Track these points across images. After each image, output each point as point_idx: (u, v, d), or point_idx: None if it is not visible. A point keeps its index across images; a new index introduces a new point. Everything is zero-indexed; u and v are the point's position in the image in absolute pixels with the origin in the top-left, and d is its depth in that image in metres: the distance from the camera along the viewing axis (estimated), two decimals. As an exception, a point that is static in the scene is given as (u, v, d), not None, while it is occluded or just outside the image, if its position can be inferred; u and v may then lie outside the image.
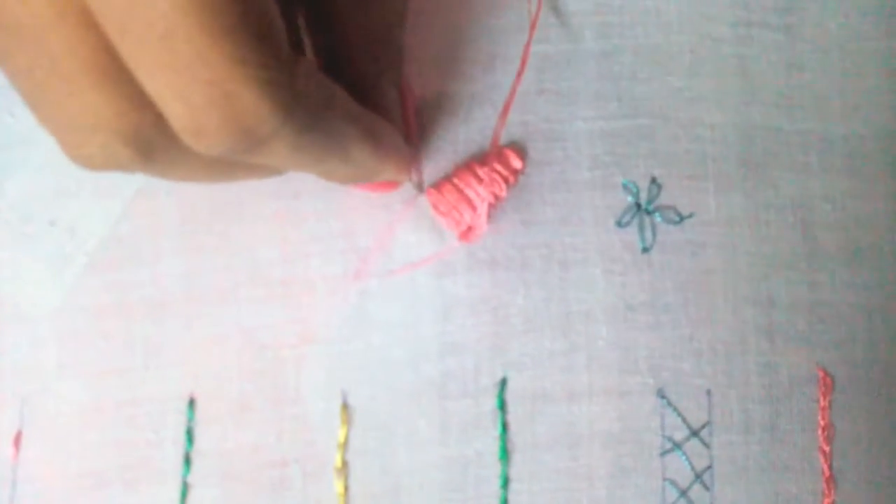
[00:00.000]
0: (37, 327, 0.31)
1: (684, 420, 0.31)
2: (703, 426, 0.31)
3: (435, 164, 0.31)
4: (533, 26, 0.31)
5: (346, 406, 0.30)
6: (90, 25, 0.18)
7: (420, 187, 0.31)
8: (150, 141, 0.20)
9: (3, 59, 0.19)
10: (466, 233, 0.30)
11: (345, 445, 0.30)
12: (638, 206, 0.31)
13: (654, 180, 0.31)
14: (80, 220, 0.31)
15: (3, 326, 0.31)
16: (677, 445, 0.30)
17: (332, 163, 0.24)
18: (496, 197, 0.30)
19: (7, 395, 0.31)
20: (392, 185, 0.30)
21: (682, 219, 0.31)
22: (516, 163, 0.31)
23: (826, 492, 0.31)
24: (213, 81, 0.18)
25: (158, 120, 0.20)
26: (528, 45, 0.31)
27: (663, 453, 0.30)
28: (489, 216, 0.30)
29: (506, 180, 0.30)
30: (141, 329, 0.31)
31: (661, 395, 0.31)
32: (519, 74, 0.30)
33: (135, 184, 0.31)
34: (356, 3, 0.26)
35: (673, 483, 0.30)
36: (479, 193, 0.30)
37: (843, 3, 0.32)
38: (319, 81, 0.22)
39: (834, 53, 0.32)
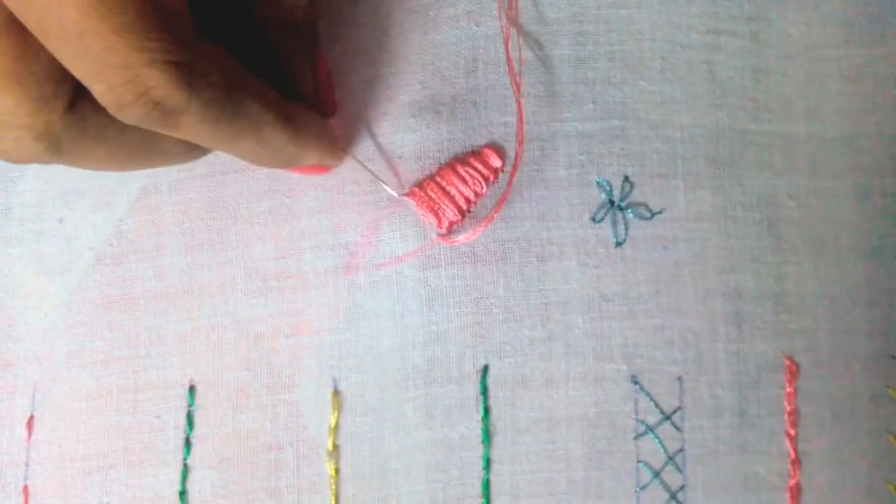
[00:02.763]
0: (47, 318, 0.33)
1: (657, 405, 0.32)
2: (675, 411, 0.32)
3: (419, 163, 0.32)
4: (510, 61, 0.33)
5: (336, 392, 0.32)
6: (0, 36, 0.22)
7: (402, 186, 0.32)
8: (58, 135, 0.24)
9: None
10: (448, 228, 0.32)
11: (336, 429, 0.32)
12: (611, 202, 0.33)
13: (626, 178, 0.33)
14: (86, 218, 0.33)
15: (17, 317, 0.33)
16: (650, 429, 0.32)
17: (247, 144, 0.27)
18: (476, 194, 0.32)
19: (20, 382, 0.33)
20: (322, 168, 0.32)
21: (653, 215, 0.33)
22: (496, 162, 0.32)
23: (791, 473, 0.32)
24: (123, 66, 0.22)
25: (64, 116, 0.23)
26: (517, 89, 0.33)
27: (637, 436, 0.32)
28: (470, 212, 0.32)
29: (486, 178, 0.32)
30: (144, 320, 0.33)
31: (635, 381, 0.32)
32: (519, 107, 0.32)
33: (137, 183, 0.33)
34: None
35: (646, 464, 0.32)
36: (461, 191, 0.32)
37: (805, 13, 0.34)
38: (226, 64, 0.25)
39: (797, 59, 0.34)
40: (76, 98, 0.23)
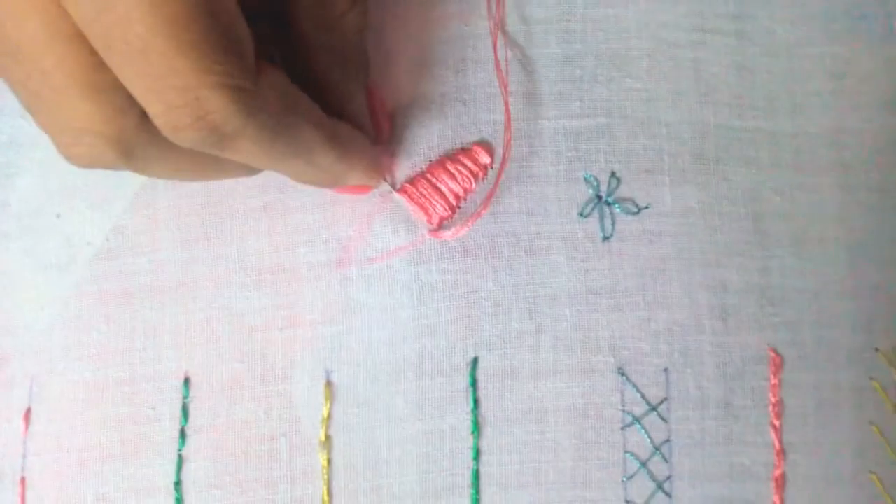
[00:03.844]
0: (45, 312, 0.33)
1: (643, 396, 0.33)
2: (661, 402, 0.33)
3: (410, 160, 0.33)
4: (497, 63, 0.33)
5: (329, 384, 0.32)
6: (78, 45, 0.22)
7: (394, 182, 0.33)
8: (131, 143, 0.24)
9: (3, 72, 0.23)
10: (438, 224, 0.32)
11: (328, 420, 0.32)
12: (599, 197, 0.33)
13: (613, 174, 0.33)
14: (84, 214, 0.34)
15: (14, 312, 0.34)
16: (637, 420, 0.32)
17: (296, 164, 0.27)
18: (466, 190, 0.33)
19: (18, 375, 0.33)
20: (364, 189, 0.32)
21: (639, 210, 0.33)
22: (485, 158, 0.33)
23: (777, 463, 0.33)
24: (184, 87, 0.22)
25: (138, 125, 0.23)
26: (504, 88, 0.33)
27: (624, 427, 0.32)
28: (460, 208, 0.33)
29: (475, 175, 0.33)
30: (140, 314, 0.33)
31: (622, 372, 0.33)
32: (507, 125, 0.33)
33: (136, 180, 0.34)
34: (318, 15, 0.28)
35: (633, 455, 0.32)
36: (450, 187, 0.32)
37: (790, 10, 0.35)
38: (283, 87, 0.25)
39: (782, 57, 0.35)
40: None
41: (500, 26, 0.34)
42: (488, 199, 0.32)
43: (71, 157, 0.24)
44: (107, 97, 0.22)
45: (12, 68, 0.22)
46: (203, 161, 0.26)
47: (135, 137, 0.24)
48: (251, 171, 0.29)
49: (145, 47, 0.21)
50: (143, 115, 0.23)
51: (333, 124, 0.28)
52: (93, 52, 0.22)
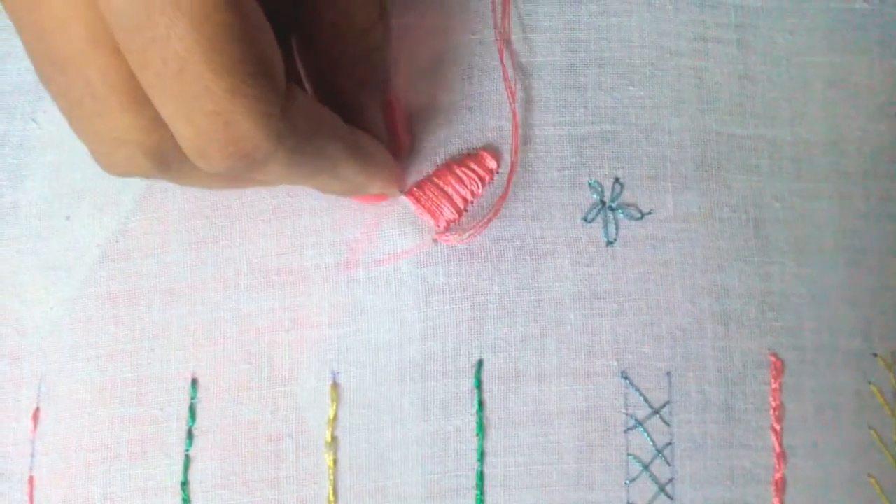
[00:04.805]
0: (54, 313, 0.34)
1: (646, 400, 0.33)
2: (664, 405, 0.33)
3: (417, 165, 0.34)
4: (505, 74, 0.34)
5: (335, 385, 0.33)
6: (122, 57, 0.22)
7: (402, 186, 0.33)
8: (168, 155, 0.24)
9: (47, 81, 0.23)
10: (446, 227, 0.33)
11: (334, 421, 0.33)
12: (602, 203, 0.34)
13: (617, 180, 0.34)
14: (93, 216, 0.34)
15: (24, 312, 0.34)
16: (640, 423, 0.33)
17: (322, 179, 0.28)
18: (473, 194, 0.33)
19: (27, 375, 0.33)
20: (382, 197, 0.33)
21: (642, 215, 0.34)
22: (492, 163, 0.33)
23: (777, 466, 0.33)
24: (216, 112, 0.22)
25: (174, 138, 0.23)
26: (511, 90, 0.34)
27: (627, 430, 0.33)
28: (467, 211, 0.33)
29: (482, 179, 0.33)
30: (149, 315, 0.33)
31: (625, 376, 0.33)
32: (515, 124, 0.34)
33: (144, 183, 0.34)
34: (342, 29, 0.29)
35: (636, 458, 0.33)
36: (457, 191, 0.33)
37: (791, 20, 0.36)
38: (309, 108, 0.25)
39: (782, 66, 0.35)
40: None
41: (505, 35, 0.34)
42: (498, 204, 0.32)
43: (108, 167, 0.24)
44: (147, 109, 0.23)
45: (56, 78, 0.23)
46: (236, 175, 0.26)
47: (172, 149, 0.24)
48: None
49: (182, 67, 0.20)
50: None
51: (355, 137, 0.28)
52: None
